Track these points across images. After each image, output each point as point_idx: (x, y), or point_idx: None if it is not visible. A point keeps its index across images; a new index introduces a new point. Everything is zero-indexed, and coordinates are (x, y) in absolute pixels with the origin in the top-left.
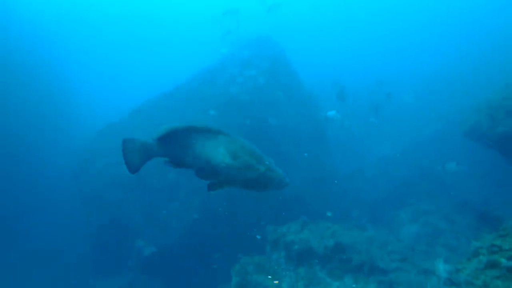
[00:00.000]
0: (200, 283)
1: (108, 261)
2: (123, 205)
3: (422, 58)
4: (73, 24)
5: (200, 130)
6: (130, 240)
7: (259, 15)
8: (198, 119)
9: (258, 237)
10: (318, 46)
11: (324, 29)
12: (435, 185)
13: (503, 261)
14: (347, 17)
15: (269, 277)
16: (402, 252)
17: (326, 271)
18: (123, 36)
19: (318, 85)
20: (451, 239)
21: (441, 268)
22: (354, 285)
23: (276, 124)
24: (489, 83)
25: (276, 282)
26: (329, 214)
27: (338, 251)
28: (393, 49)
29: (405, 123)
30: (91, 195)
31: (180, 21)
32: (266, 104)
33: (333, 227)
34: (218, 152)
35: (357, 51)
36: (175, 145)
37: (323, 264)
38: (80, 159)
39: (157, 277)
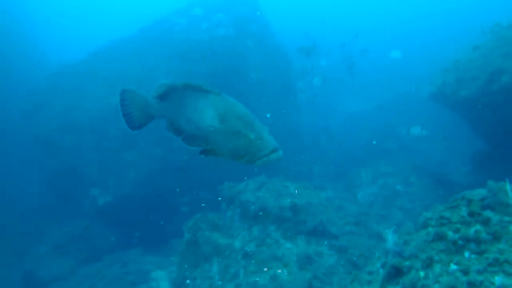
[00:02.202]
0: (154, 235)
1: (63, 207)
2: (79, 151)
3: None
4: None
5: (193, 89)
6: (86, 188)
7: None
8: (160, 67)
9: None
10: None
11: None
12: (397, 147)
13: (450, 234)
14: None
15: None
16: (357, 215)
17: (280, 232)
18: None
19: (289, 38)
20: (406, 202)
21: (390, 239)
22: (306, 247)
23: (256, 79)
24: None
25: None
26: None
27: (294, 212)
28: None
29: (382, 80)
30: (46, 140)
31: None
32: (234, 55)
33: (291, 186)
34: (207, 114)
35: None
36: (172, 105)
37: (277, 225)
38: (35, 100)
39: (111, 225)
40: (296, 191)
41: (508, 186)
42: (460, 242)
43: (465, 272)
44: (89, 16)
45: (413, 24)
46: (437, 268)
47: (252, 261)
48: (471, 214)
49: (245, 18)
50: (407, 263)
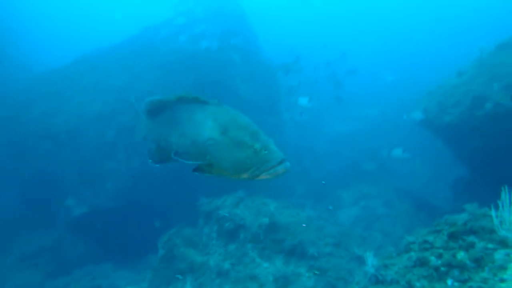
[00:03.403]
0: (129, 249)
1: (35, 216)
2: (56, 159)
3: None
4: None
5: (189, 101)
6: (61, 198)
7: None
8: (144, 77)
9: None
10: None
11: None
12: (380, 169)
13: (433, 259)
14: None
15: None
16: (337, 236)
17: (258, 251)
18: None
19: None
20: (387, 225)
21: (370, 262)
22: (284, 268)
23: (241, 95)
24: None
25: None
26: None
27: (272, 230)
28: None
29: (369, 101)
30: (21, 146)
31: None
32: (219, 67)
33: (271, 204)
34: (206, 126)
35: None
36: (162, 124)
37: (255, 243)
38: (13, 104)
39: (85, 238)
40: (275, 209)
41: (493, 212)
42: (443, 268)
43: None
44: (80, 21)
45: (402, 47)
46: None
47: (227, 281)
48: (455, 239)
49: (232, 32)
50: None
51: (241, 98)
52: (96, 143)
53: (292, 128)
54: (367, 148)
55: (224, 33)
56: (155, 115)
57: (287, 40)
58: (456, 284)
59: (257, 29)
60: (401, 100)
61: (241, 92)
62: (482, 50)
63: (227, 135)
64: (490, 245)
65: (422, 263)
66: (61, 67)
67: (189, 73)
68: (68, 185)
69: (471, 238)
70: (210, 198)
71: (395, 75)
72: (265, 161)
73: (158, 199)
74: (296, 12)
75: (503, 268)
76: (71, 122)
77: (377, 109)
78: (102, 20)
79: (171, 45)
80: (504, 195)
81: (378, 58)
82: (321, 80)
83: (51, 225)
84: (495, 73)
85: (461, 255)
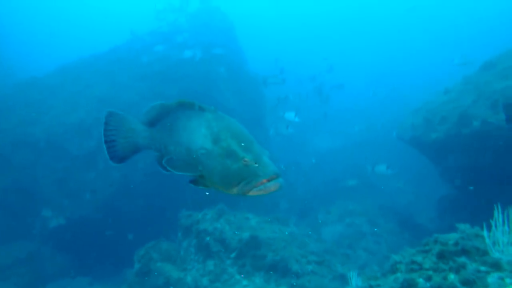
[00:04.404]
0: (108, 263)
1: (11, 227)
2: (33, 169)
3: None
4: None
5: (187, 107)
6: (37, 208)
7: None
8: (128, 86)
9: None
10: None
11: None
12: (366, 187)
13: (421, 282)
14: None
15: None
16: (321, 254)
17: (237, 267)
18: None
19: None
20: (372, 243)
21: (353, 283)
22: (264, 286)
23: (227, 107)
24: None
25: None
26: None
27: (253, 246)
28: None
29: (356, 117)
30: None
31: None
32: (204, 78)
33: (253, 219)
34: (199, 134)
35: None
36: (163, 132)
37: (235, 259)
38: None
39: (61, 251)
40: (257, 224)
41: (485, 233)
42: None
43: None
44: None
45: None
46: None
47: None
48: (445, 260)
49: (217, 43)
50: None
51: (227, 110)
52: (76, 153)
53: (278, 143)
54: (352, 165)
55: (209, 44)
56: (155, 123)
57: (275, 53)
58: None
59: (244, 42)
60: (388, 117)
61: (226, 104)
62: (447, 90)
63: (218, 144)
64: (482, 268)
65: (409, 285)
66: (43, 76)
67: (173, 84)
68: (45, 195)
69: (463, 259)
70: (190, 211)
71: (383, 91)
72: (256, 176)
73: (138, 211)
74: (285, 26)
75: None
76: (51, 131)
77: (363, 125)
78: (89, 28)
79: (154, 55)
80: (497, 214)
81: (366, 73)
82: (308, 94)
83: (27, 237)
84: (482, 91)
85: (451, 277)
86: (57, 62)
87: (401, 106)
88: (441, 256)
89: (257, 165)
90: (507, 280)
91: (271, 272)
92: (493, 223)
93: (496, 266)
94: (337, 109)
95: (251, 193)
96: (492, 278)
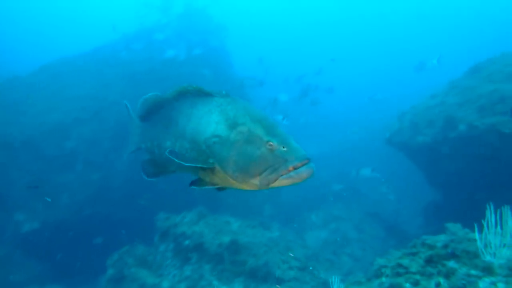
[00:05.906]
0: (82, 269)
1: None
2: (5, 170)
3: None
4: None
5: (188, 95)
6: (9, 212)
7: None
8: (111, 86)
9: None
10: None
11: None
12: (352, 192)
13: (408, 286)
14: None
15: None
16: (304, 260)
17: (216, 273)
18: None
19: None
20: (357, 249)
21: None
22: None
23: None
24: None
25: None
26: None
27: (234, 250)
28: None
29: (345, 122)
30: None
31: None
32: (189, 81)
33: (234, 223)
34: (210, 120)
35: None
36: (157, 127)
37: (214, 264)
38: None
39: (35, 256)
40: (239, 228)
41: (477, 235)
42: None
43: None
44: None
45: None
46: None
47: None
48: (433, 263)
49: (200, 44)
50: None
51: None
52: (53, 154)
53: None
54: (340, 170)
55: (192, 44)
56: (149, 117)
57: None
58: None
59: (232, 45)
60: (376, 121)
61: None
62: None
63: (236, 129)
64: (473, 272)
65: None
66: (23, 75)
67: (156, 84)
68: (18, 198)
69: (452, 263)
70: (168, 213)
71: (372, 96)
72: (284, 161)
73: (116, 213)
74: (275, 28)
75: None
76: (28, 132)
77: (351, 130)
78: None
79: (136, 54)
80: (490, 214)
81: (356, 78)
82: (297, 97)
83: None
84: (468, 96)
85: (440, 282)
86: (41, 61)
87: (389, 110)
88: (429, 259)
89: (285, 149)
90: (500, 286)
91: (251, 279)
92: (485, 224)
93: (488, 270)
94: (327, 113)
95: (277, 183)
96: (483, 283)
